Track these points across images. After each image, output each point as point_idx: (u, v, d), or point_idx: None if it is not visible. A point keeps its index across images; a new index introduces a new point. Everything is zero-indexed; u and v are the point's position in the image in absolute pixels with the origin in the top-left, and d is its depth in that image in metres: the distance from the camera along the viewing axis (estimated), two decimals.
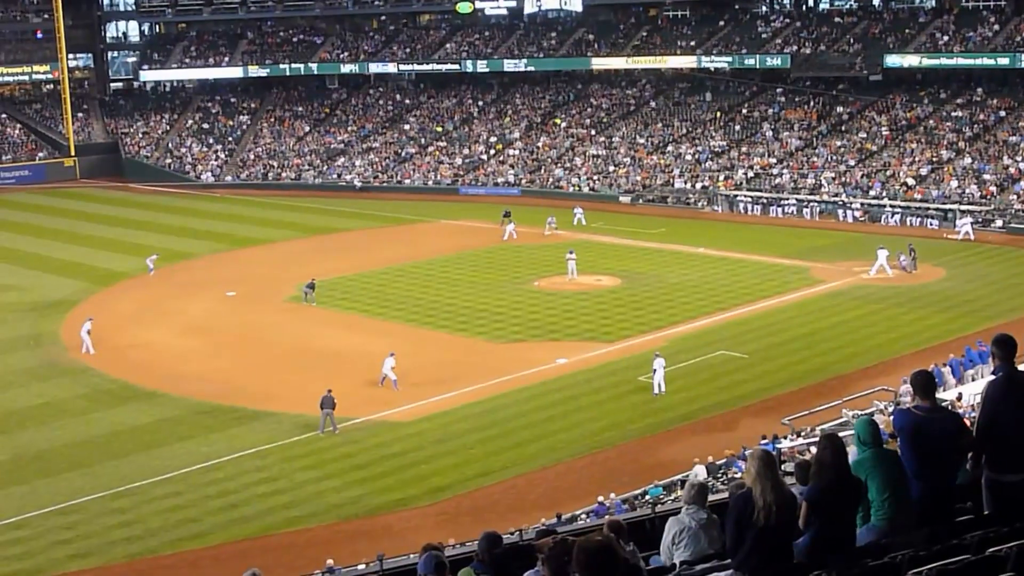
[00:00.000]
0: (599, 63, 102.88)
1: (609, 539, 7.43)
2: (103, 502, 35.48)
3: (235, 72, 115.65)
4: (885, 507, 10.26)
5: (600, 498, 31.88)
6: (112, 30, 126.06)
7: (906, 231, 71.51)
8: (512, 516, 31.84)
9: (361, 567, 26.92)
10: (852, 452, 11.25)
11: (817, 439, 13.11)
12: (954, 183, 77.21)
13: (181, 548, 32.19)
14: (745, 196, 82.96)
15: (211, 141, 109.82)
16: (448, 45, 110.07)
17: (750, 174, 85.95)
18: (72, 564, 31.73)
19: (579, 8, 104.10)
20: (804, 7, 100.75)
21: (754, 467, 9.77)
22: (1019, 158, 77.93)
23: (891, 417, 11.34)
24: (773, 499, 9.59)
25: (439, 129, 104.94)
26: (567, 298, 58.24)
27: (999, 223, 72.06)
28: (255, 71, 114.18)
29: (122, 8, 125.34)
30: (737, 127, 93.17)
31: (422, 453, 38.92)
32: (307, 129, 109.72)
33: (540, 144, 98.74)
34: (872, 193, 79.16)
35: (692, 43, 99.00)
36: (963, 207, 73.51)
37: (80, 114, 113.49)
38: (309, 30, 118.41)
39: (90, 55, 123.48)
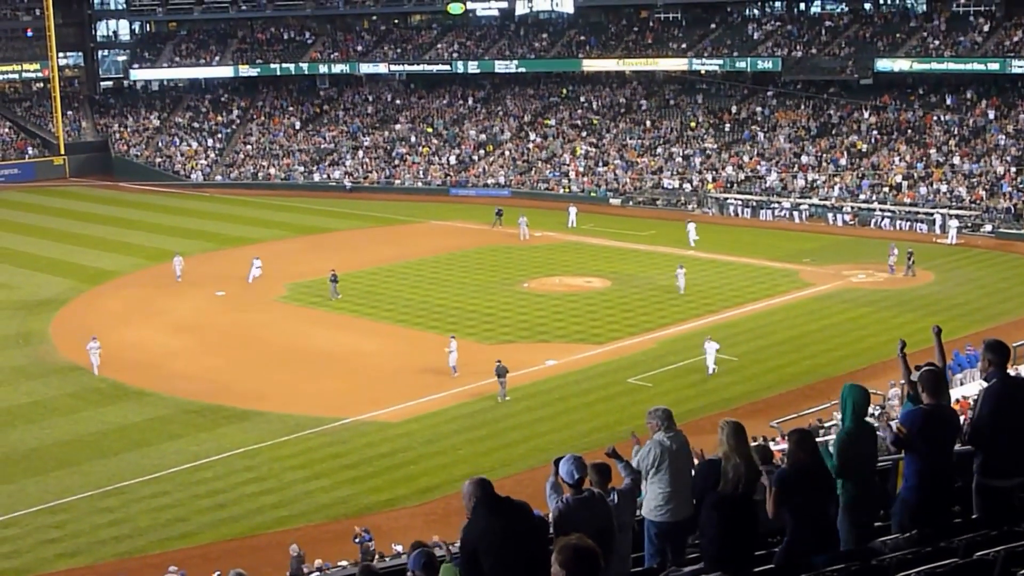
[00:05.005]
0: (590, 65, 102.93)
1: (590, 543, 7.27)
2: (91, 501, 35.47)
3: (225, 71, 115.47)
4: (852, 487, 10.49)
5: None
6: (102, 29, 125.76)
7: (896, 235, 71.60)
8: None
9: (343, 563, 27.03)
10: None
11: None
12: (944, 186, 77.42)
13: (169, 547, 32.16)
14: (735, 199, 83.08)
15: (201, 140, 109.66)
16: (439, 45, 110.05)
17: (740, 176, 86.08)
18: (60, 563, 31.71)
19: (570, 9, 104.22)
20: (795, 10, 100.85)
21: (724, 438, 9.90)
22: (1009, 159, 78.17)
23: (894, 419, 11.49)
24: (743, 470, 9.72)
25: (429, 130, 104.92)
26: (556, 299, 58.27)
27: (988, 227, 72.22)
28: (245, 70, 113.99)
29: (112, 7, 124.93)
30: (727, 129, 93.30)
31: (411, 453, 38.96)
32: (297, 128, 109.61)
33: (530, 145, 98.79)
34: (862, 196, 79.36)
35: (683, 45, 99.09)
36: (952, 211, 73.69)
37: (70, 113, 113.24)
38: (300, 30, 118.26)
39: (80, 53, 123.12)
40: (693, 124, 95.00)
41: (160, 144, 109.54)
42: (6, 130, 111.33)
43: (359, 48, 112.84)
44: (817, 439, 11.18)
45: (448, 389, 44.69)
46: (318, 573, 27.83)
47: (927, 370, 10.94)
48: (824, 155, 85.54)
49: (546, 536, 9.60)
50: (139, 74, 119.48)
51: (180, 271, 64.28)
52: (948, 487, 10.65)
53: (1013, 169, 77.35)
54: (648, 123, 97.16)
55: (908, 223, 74.78)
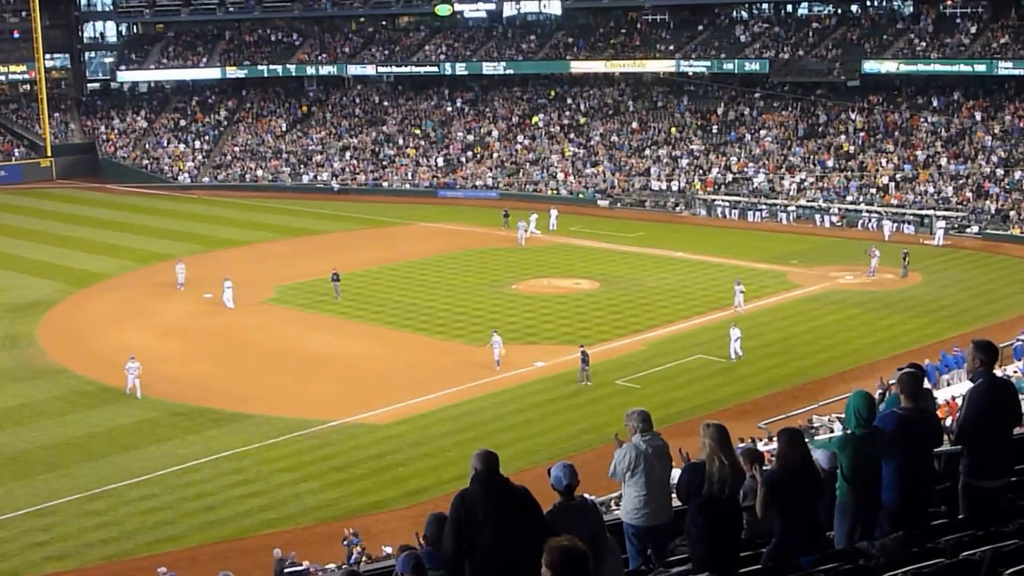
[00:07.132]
0: (578, 66, 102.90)
1: (579, 544, 7.20)
2: (79, 504, 35.37)
3: (213, 73, 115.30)
4: (849, 489, 10.49)
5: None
6: (89, 30, 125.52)
7: (883, 236, 71.71)
8: None
9: (331, 566, 27.01)
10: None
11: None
12: (931, 187, 77.61)
13: (158, 550, 32.09)
14: (723, 200, 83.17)
15: (188, 142, 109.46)
16: (427, 47, 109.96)
17: (728, 178, 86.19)
18: (48, 566, 31.62)
19: (558, 11, 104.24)
20: (783, 12, 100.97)
21: (708, 440, 9.91)
22: (995, 161, 78.37)
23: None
24: (728, 472, 9.74)
25: (417, 131, 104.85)
26: (545, 301, 58.27)
27: (975, 229, 72.41)
28: (233, 72, 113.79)
29: (100, 8, 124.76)
30: (715, 131, 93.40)
31: (400, 455, 38.94)
32: (284, 129, 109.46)
33: (518, 147, 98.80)
34: (849, 198, 79.53)
35: (671, 47, 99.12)
36: (939, 212, 73.88)
37: (57, 114, 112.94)
38: (287, 31, 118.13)
39: (67, 55, 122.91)
40: (673, 129, 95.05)
41: (147, 146, 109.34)
42: None
43: (347, 50, 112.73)
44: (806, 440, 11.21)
45: (437, 391, 44.66)
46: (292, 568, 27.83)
47: (906, 373, 10.90)
48: (812, 157, 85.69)
49: (540, 520, 9.60)
50: (126, 76, 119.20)
51: (183, 278, 62.75)
52: (927, 491, 10.65)
53: (1000, 171, 77.59)
54: (636, 124, 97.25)
55: (895, 224, 74.81)
